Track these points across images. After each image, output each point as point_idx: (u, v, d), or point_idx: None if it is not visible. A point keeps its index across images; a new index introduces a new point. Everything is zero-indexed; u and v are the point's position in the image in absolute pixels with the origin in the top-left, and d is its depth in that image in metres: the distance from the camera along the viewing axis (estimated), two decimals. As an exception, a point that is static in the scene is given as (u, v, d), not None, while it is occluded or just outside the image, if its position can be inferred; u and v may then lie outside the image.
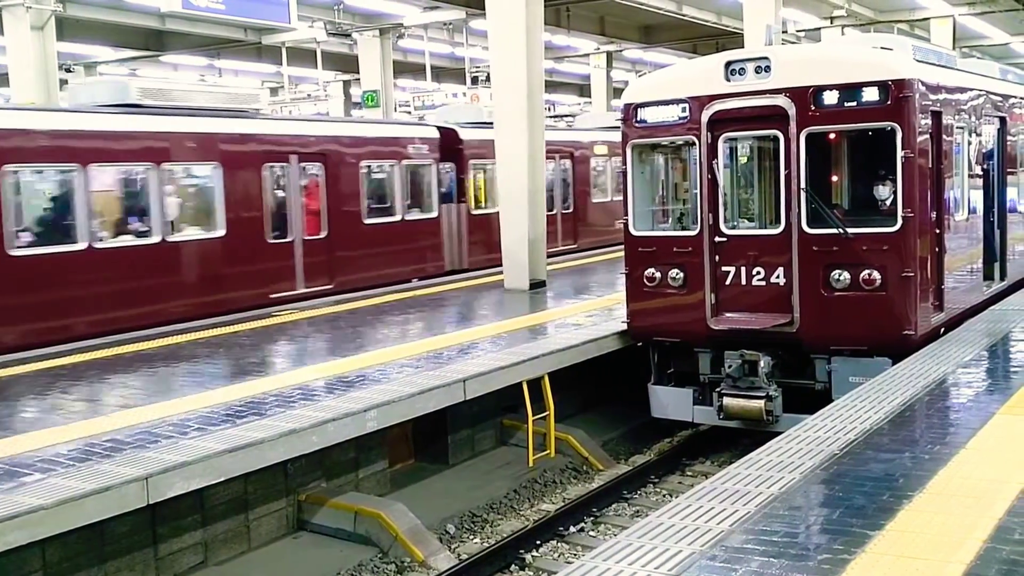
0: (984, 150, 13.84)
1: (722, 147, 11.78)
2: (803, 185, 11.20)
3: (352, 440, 9.61)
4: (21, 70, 22.02)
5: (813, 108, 11.10)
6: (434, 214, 21.37)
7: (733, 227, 11.96)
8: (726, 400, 11.71)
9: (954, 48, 28.06)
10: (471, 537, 10.24)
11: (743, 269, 11.67)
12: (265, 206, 17.20)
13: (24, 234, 14.06)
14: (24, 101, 21.77)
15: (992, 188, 14.24)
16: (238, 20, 23.73)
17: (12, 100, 23.80)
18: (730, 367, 11.61)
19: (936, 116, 11.62)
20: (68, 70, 32.75)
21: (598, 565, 5.38)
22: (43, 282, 13.97)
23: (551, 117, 43.43)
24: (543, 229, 17.69)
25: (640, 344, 12.75)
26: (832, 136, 11.74)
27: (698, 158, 11.80)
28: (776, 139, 11.44)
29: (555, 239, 23.87)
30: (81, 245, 14.47)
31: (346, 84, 41.69)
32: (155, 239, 15.50)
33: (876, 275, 10.98)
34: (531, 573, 9.45)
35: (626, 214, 12.46)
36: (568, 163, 26.16)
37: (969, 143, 13.10)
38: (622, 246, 12.69)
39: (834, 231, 11.15)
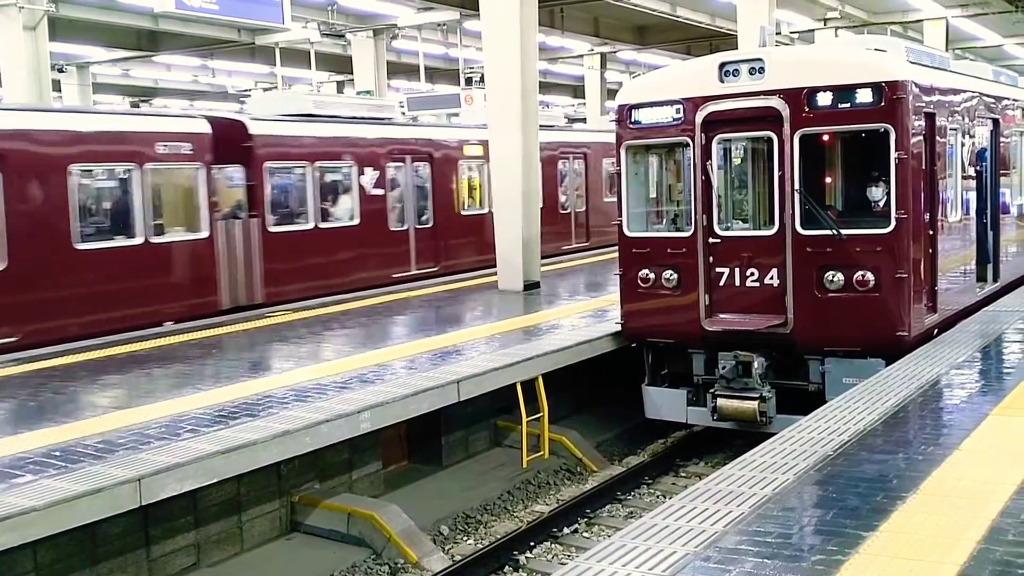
0: (977, 151, 13.85)
1: (716, 148, 11.78)
2: (797, 186, 11.21)
3: (346, 441, 9.59)
4: (14, 70, 21.94)
5: (807, 109, 11.11)
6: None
7: (727, 228, 11.97)
8: (720, 401, 11.72)
9: (947, 50, 28.10)
10: (465, 538, 10.23)
11: (737, 270, 11.68)
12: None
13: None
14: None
15: (985, 190, 14.26)
16: (231, 20, 23.67)
17: (3, 99, 23.70)
18: (724, 368, 11.62)
19: (929, 118, 11.64)
20: (61, 70, 32.71)
21: (592, 566, 5.38)
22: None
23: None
24: (537, 230, 17.68)
25: (634, 345, 12.75)
26: (826, 137, 11.75)
27: (692, 159, 11.81)
28: (770, 140, 11.45)
29: (406, 262, 20.62)
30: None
31: (340, 85, 41.63)
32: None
33: (870, 276, 11.00)
34: (525, 574, 9.44)
35: (620, 215, 12.47)
36: (426, 167, 21.42)
37: (962, 145, 13.12)
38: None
39: (828, 232, 11.16)
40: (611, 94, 33.58)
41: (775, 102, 11.23)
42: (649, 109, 12.11)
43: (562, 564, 9.05)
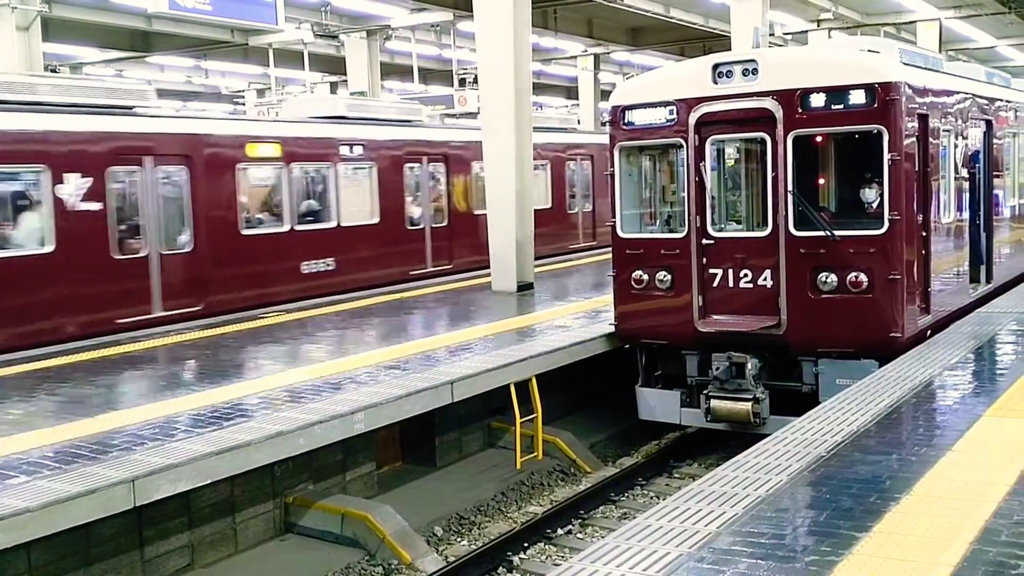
0: (970, 153, 13.89)
1: (709, 149, 11.80)
2: (790, 188, 11.23)
3: (339, 442, 9.58)
4: (6, 71, 21.89)
5: (800, 111, 11.13)
6: None
7: (720, 229, 11.98)
8: (713, 402, 11.73)
9: (940, 51, 28.16)
10: (458, 539, 10.23)
11: (730, 271, 11.69)
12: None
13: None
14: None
15: (978, 191, 14.29)
16: (225, 21, 23.60)
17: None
18: (717, 369, 11.63)
19: (922, 119, 11.66)
20: (54, 71, 32.61)
21: (586, 567, 5.38)
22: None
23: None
24: (531, 231, 17.68)
25: (628, 346, 12.76)
26: (819, 139, 11.77)
27: (685, 160, 11.82)
28: (763, 141, 11.46)
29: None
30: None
31: (333, 86, 41.60)
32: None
33: (863, 278, 11.02)
34: (518, 575, 9.44)
35: (614, 216, 12.48)
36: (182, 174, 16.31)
37: (955, 146, 13.15)
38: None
39: (821, 234, 11.18)
40: (604, 95, 33.56)
41: (768, 103, 11.25)
42: (643, 110, 12.12)
43: (556, 565, 9.06)
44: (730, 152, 12.70)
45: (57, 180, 14.02)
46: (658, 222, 12.93)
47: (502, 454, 12.24)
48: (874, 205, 11.29)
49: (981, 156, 14.46)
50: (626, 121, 12.26)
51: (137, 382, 10.99)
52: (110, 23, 29.01)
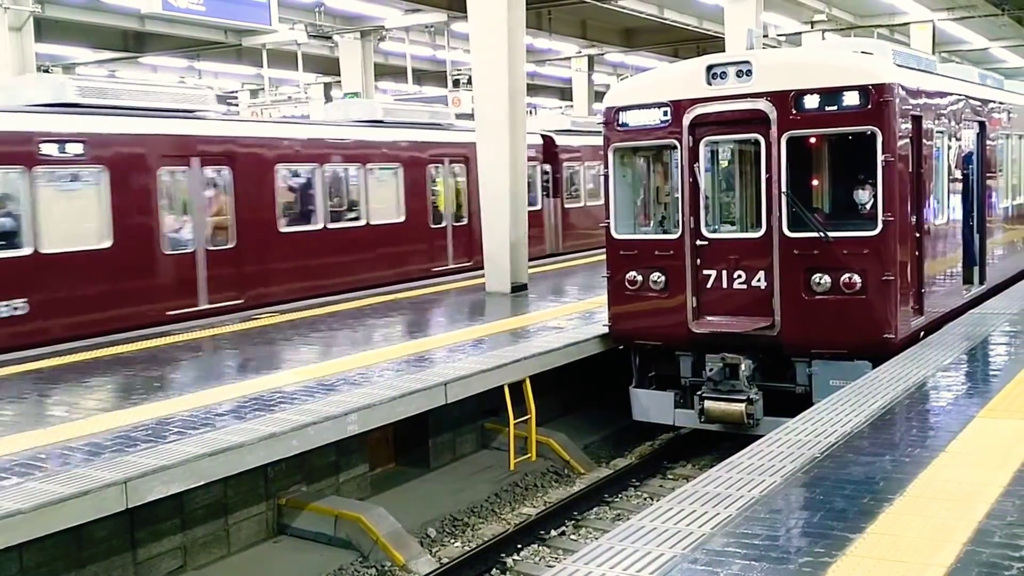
0: (963, 154, 13.91)
1: (703, 151, 11.79)
2: (784, 189, 11.23)
3: (333, 444, 9.57)
4: (-1, 71, 21.87)
5: (794, 112, 11.14)
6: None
7: (714, 231, 11.98)
8: (707, 403, 11.73)
9: (934, 53, 28.19)
10: (452, 541, 10.21)
11: (724, 272, 11.69)
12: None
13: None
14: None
15: (971, 192, 14.32)
16: (218, 22, 23.61)
17: None
18: (711, 370, 11.64)
19: (916, 120, 11.68)
20: (46, 71, 32.55)
21: (579, 569, 5.37)
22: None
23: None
24: (525, 232, 17.67)
25: (622, 347, 12.75)
26: (813, 140, 11.78)
27: (679, 161, 11.82)
28: (757, 143, 11.46)
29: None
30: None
31: (327, 86, 41.57)
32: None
33: (856, 279, 11.02)
34: (512, 577, 9.44)
35: (607, 217, 12.48)
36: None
37: (949, 147, 13.17)
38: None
39: (815, 235, 11.18)
40: (599, 96, 33.61)
41: (762, 104, 11.25)
42: (637, 111, 12.12)
43: (549, 567, 9.05)
44: (724, 153, 12.70)
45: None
46: (652, 223, 12.94)
47: (495, 455, 12.23)
48: (868, 206, 11.30)
49: (974, 157, 14.49)
50: (620, 122, 12.25)
51: (132, 380, 10.97)
52: (103, 23, 28.99)
